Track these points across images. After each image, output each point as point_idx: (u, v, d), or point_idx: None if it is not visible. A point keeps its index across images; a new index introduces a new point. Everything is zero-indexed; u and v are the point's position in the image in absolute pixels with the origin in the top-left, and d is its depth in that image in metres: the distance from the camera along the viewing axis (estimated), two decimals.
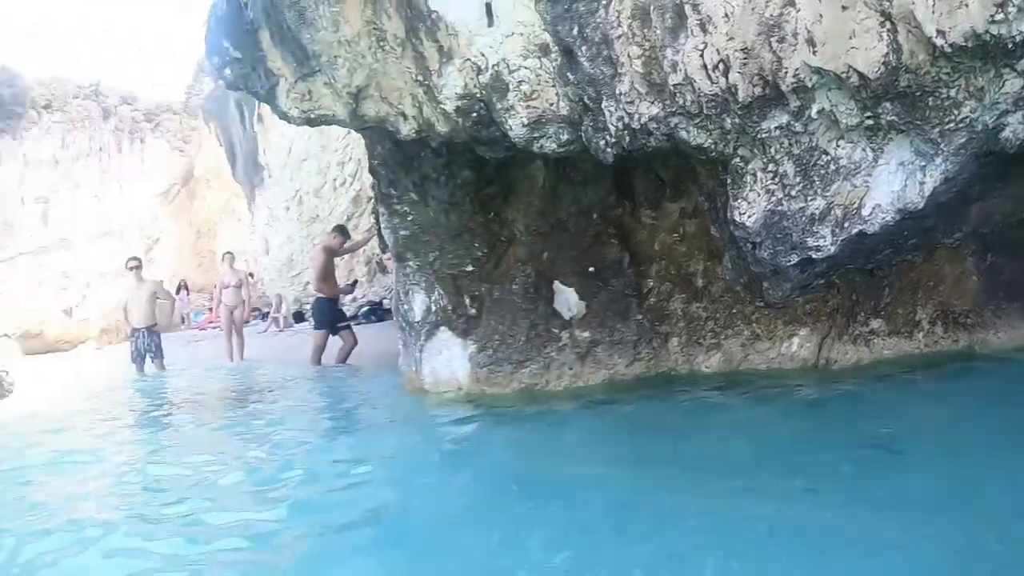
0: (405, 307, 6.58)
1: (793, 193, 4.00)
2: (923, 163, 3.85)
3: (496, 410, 5.49)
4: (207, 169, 25.25)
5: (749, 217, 4.17)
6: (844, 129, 3.78)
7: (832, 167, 3.95)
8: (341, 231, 10.64)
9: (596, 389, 5.77)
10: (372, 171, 6.61)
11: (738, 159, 4.10)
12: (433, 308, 6.26)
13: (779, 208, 4.07)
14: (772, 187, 4.06)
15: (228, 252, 15.14)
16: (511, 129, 4.43)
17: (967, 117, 3.44)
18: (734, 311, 5.90)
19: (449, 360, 6.20)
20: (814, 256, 4.14)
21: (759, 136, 3.92)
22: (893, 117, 3.58)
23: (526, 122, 4.42)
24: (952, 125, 3.49)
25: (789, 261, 4.24)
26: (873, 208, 3.99)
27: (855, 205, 3.99)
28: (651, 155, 4.68)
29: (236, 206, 23.01)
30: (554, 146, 4.55)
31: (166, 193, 29.38)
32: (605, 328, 5.91)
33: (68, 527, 3.67)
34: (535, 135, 4.46)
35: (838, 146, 3.91)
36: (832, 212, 4.02)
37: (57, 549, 3.40)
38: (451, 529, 3.24)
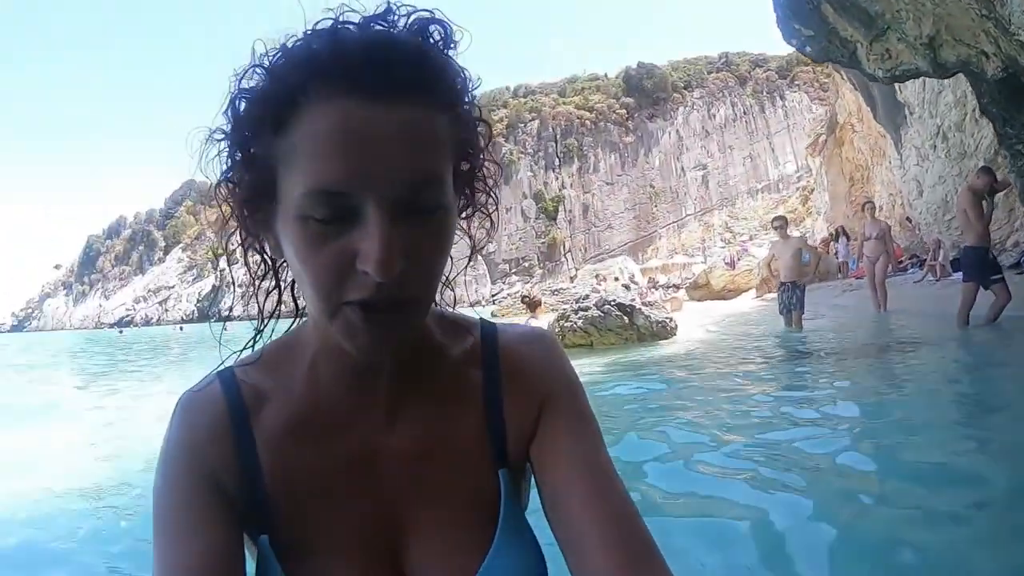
0: None
1: None
2: None
3: None
4: (849, 114, 24.76)
5: None
6: None
7: None
8: (986, 172, 9.45)
9: None
10: (983, 111, 5.86)
11: None
12: None
13: None
14: None
15: (868, 202, 15.25)
16: None
17: None
18: None
19: None
20: None
21: None
22: None
23: None
24: None
25: None
26: None
27: None
28: None
29: (884, 148, 22.08)
30: None
31: (813, 144, 30.08)
32: None
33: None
34: None
35: None
36: None
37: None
38: None
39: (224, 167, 0.78)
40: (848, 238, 22.83)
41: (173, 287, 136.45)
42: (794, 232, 16.93)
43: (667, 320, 13.58)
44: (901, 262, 18.27)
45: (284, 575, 0.83)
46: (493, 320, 0.98)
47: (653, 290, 28.99)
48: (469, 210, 0.87)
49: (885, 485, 3.53)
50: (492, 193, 0.88)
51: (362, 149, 0.68)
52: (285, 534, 0.85)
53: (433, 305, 0.85)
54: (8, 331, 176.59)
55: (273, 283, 0.88)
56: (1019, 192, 6.23)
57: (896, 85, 17.31)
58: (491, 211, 0.89)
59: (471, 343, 0.94)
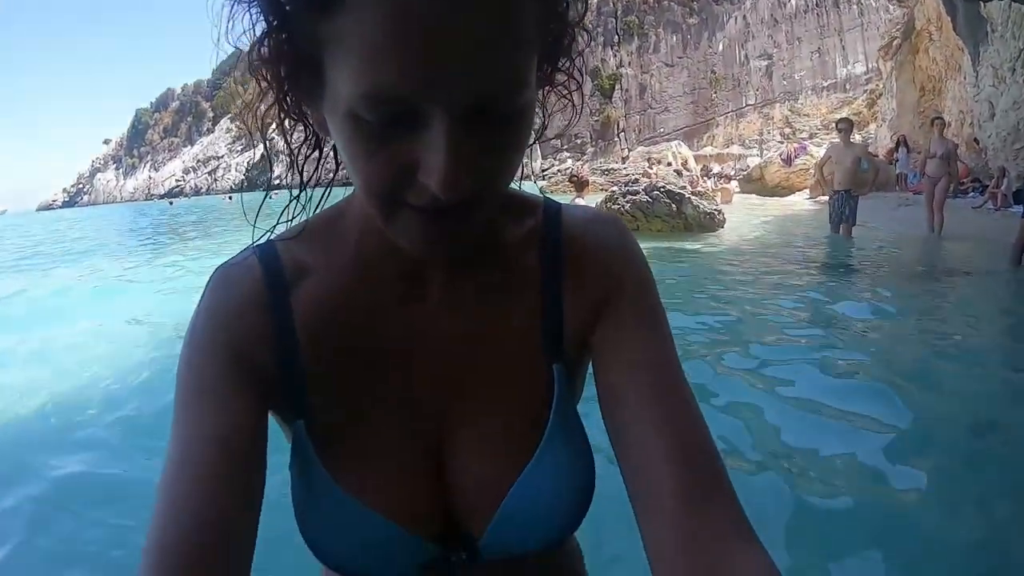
0: None
1: None
2: None
3: None
4: (928, 21, 24.02)
5: None
6: None
7: None
8: None
9: None
10: None
11: None
12: None
13: None
14: None
15: (938, 117, 14.18)
16: None
17: None
18: None
19: None
20: None
21: None
22: None
23: None
24: None
25: None
26: None
27: None
28: None
29: (960, 63, 21.65)
30: None
31: (887, 47, 29.09)
32: None
33: None
34: None
35: None
36: None
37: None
38: None
39: (257, 34, 0.65)
40: (909, 150, 22.32)
41: (222, 157, 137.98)
42: (856, 137, 16.67)
43: (716, 212, 13.63)
44: (963, 183, 18.00)
45: (320, 462, 0.79)
46: (559, 201, 0.88)
47: (705, 179, 28.59)
48: (546, 88, 0.76)
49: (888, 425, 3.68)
50: (575, 76, 0.76)
51: (427, 46, 0.55)
52: (322, 419, 0.80)
53: None
54: (60, 207, 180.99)
55: (318, 152, 0.79)
56: None
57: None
58: (573, 89, 0.77)
59: (532, 225, 0.85)
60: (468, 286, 0.82)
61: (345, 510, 0.79)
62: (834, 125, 12.79)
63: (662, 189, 13.25)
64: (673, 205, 13.07)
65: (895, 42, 28.33)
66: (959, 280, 8.15)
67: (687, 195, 13.42)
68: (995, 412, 3.96)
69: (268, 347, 0.78)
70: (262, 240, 0.83)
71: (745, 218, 16.06)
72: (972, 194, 17.49)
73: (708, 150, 39.25)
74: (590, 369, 0.86)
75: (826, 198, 13.58)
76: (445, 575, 0.86)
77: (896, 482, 3.15)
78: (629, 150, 38.69)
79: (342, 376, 0.81)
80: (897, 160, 22.71)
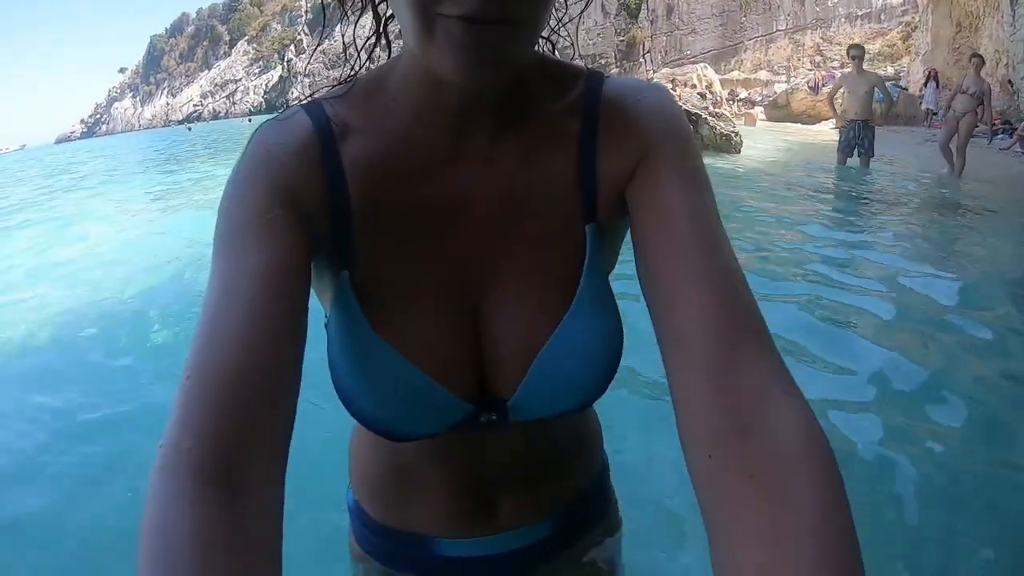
0: None
1: None
2: None
3: None
4: None
5: None
6: None
7: None
8: None
9: None
10: None
11: None
12: None
13: None
14: None
15: (976, 55, 13.20)
16: None
17: None
18: None
19: None
20: None
21: None
22: None
23: None
24: None
25: None
26: None
27: None
28: None
29: (1000, 2, 21.11)
30: None
31: None
32: None
33: None
34: None
35: None
36: None
37: None
38: None
39: None
40: (938, 84, 21.73)
41: (240, 80, 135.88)
42: (888, 70, 15.93)
43: (732, 134, 13.68)
44: (994, 125, 16.44)
45: (363, 313, 0.80)
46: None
47: (731, 103, 28.19)
48: None
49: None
50: None
51: None
52: (366, 272, 0.81)
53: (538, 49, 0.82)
54: (79, 138, 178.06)
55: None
56: None
57: None
58: None
59: (574, 91, 0.85)
60: (510, 147, 0.82)
61: (385, 361, 0.80)
62: (847, 52, 12.31)
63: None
64: (690, 124, 13.18)
65: None
66: (973, 218, 8.14)
67: (704, 116, 13.50)
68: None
69: (318, 192, 0.78)
70: (307, 101, 0.84)
71: (765, 143, 15.98)
72: (1001, 136, 16.83)
73: (735, 74, 38.59)
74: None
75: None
76: (472, 436, 0.91)
77: (837, 423, 3.16)
78: (655, 72, 38.06)
79: (388, 230, 0.81)
80: (925, 94, 22.25)
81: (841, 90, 12.09)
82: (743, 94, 34.26)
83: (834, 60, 35.42)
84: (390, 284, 0.82)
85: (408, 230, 0.82)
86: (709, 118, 13.62)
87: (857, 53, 11.67)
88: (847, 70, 12.48)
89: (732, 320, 0.66)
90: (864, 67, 11.73)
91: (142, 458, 1.78)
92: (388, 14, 0.85)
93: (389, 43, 0.87)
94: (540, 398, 0.85)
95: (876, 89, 11.61)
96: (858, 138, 11.59)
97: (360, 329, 0.80)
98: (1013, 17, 19.11)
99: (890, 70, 27.83)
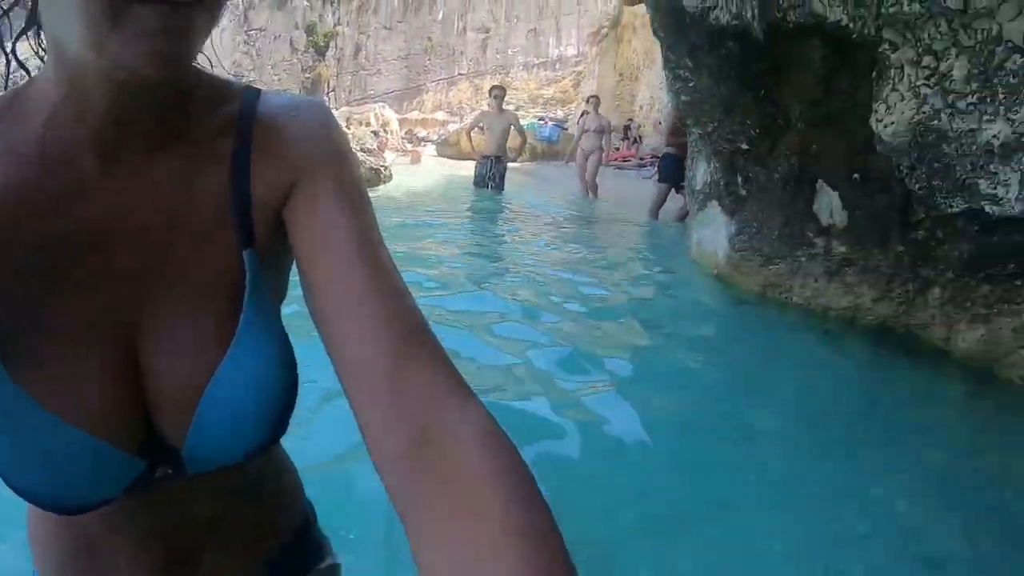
0: (690, 173, 6.84)
1: (961, 106, 2.95)
2: None
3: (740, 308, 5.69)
4: (635, 16, 26.15)
5: (887, 127, 3.21)
6: None
7: None
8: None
9: (836, 318, 5.15)
10: (654, 32, 6.50)
11: (885, 45, 3.13)
12: (709, 180, 6.24)
13: (934, 123, 3.04)
14: (926, 90, 3.03)
15: (593, 96, 15.63)
16: None
17: None
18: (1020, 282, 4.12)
19: (714, 236, 6.22)
20: (989, 211, 3.05)
21: (899, 14, 2.92)
22: None
23: None
24: None
25: (952, 207, 3.19)
26: None
27: None
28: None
29: (656, 54, 23.64)
30: (729, 18, 3.96)
31: (595, 32, 31.30)
32: (862, 249, 4.97)
33: None
34: (707, 4, 3.95)
35: None
36: None
37: None
38: None
39: None
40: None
41: None
42: (556, 113, 17.17)
43: (381, 168, 14.51)
44: (643, 160, 19.69)
45: (9, 377, 0.71)
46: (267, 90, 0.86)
47: (407, 142, 29.41)
48: None
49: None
50: None
51: None
52: (2, 318, 0.72)
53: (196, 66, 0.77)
54: None
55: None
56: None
57: None
58: None
59: (230, 109, 0.81)
60: (164, 167, 0.77)
61: (34, 421, 0.72)
62: (489, 92, 13.31)
63: None
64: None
65: (603, 30, 30.55)
66: (598, 227, 10.34)
67: (355, 151, 13.76)
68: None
69: None
70: None
71: (422, 177, 17.02)
72: (648, 167, 18.59)
73: (415, 115, 39.72)
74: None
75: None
76: (154, 495, 0.84)
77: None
78: (337, 109, 38.19)
79: (27, 268, 0.72)
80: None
81: (480, 125, 12.99)
82: (422, 133, 35.29)
83: (510, 104, 37.40)
84: (34, 329, 0.73)
85: (50, 266, 0.73)
86: (360, 153, 14.21)
87: (498, 93, 12.61)
88: (527, 113, 14.86)
89: (401, 336, 0.68)
90: (503, 107, 12.72)
91: None
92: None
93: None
94: (215, 441, 0.79)
95: (512, 127, 12.48)
96: (490, 172, 12.53)
97: (9, 396, 0.71)
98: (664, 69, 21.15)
99: (560, 113, 30.49)
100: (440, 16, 47.44)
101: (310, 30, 58.27)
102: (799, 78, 5.25)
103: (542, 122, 25.53)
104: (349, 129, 23.39)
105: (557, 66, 39.10)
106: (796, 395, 3.95)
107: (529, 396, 3.60)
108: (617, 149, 20.55)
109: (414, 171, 18.21)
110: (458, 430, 0.60)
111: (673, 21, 5.67)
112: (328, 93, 59.89)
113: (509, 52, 40.72)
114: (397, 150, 23.13)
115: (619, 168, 19.89)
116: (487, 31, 43.69)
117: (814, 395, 3.98)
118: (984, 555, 2.61)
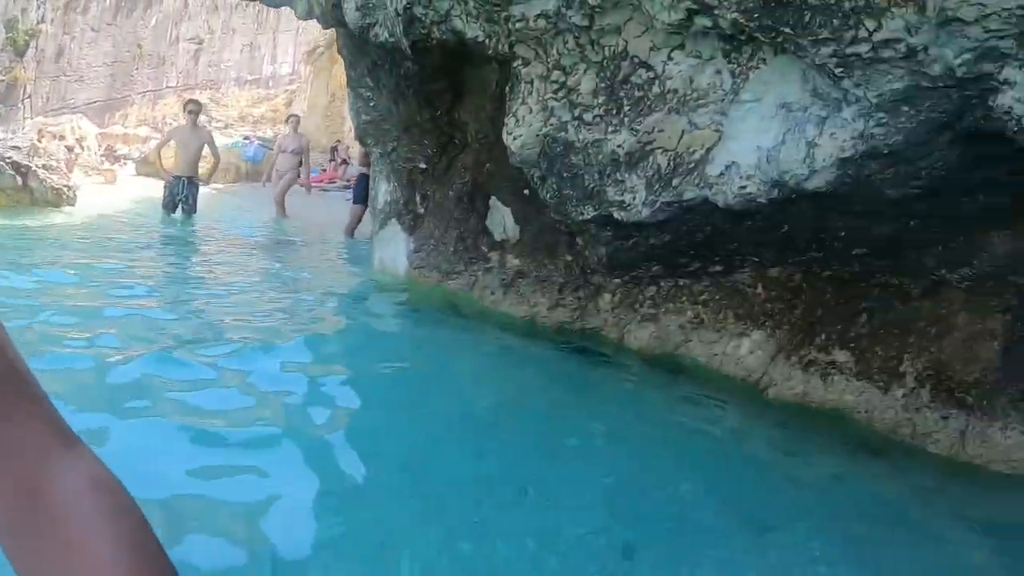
0: (374, 191, 6.92)
1: (588, 118, 3.22)
2: (822, 112, 2.69)
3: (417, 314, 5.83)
4: None
5: (516, 139, 3.46)
6: (662, 30, 2.84)
7: (653, 89, 3.07)
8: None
9: (518, 323, 5.38)
10: (339, 51, 6.55)
11: (518, 61, 3.38)
12: (389, 199, 6.34)
13: (561, 135, 3.30)
14: (554, 103, 3.29)
15: (293, 115, 15.39)
16: (347, 14, 4.10)
17: (901, 40, 2.22)
18: (681, 283, 4.69)
19: (395, 254, 6.32)
20: (618, 216, 3.34)
21: (526, 30, 3.14)
22: (753, 22, 2.53)
23: (358, 5, 4.14)
24: (867, 50, 2.28)
25: (583, 215, 3.48)
26: (726, 167, 3.01)
27: (694, 155, 3.09)
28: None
29: None
30: (387, 35, 4.07)
31: (311, 52, 30.93)
32: (534, 260, 5.29)
33: None
34: (367, 21, 4.05)
35: (670, 59, 2.99)
36: (651, 157, 3.19)
37: None
38: None
39: None
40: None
41: None
42: (266, 132, 16.63)
43: (65, 187, 13.40)
44: (348, 181, 19.20)
45: None
46: None
47: (106, 159, 27.27)
48: None
49: None
50: None
51: None
52: None
53: None
54: None
55: None
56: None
57: None
58: None
59: None
60: None
61: None
62: (183, 107, 12.66)
63: (8, 160, 12.68)
64: (19, 178, 12.59)
65: (319, 49, 30.14)
66: (282, 247, 10.47)
67: (35, 168, 13.02)
68: None
69: None
70: None
71: (113, 198, 16.03)
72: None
73: (118, 129, 37.17)
74: None
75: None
76: None
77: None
78: (32, 118, 35.06)
79: None
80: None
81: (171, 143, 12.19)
82: (123, 149, 33.03)
83: (220, 121, 35.98)
84: None
85: None
86: (40, 171, 13.02)
87: (194, 108, 11.90)
88: (235, 131, 14.25)
89: (4, 389, 0.63)
90: (197, 123, 12.12)
91: None
92: None
93: None
94: None
95: (208, 146, 11.93)
96: (182, 193, 11.68)
97: None
98: None
99: (270, 133, 29.56)
100: (153, 22, 44.68)
101: (10, 26, 52.54)
102: (475, 98, 5.48)
103: (247, 141, 24.12)
104: (40, 143, 21.37)
105: (271, 84, 38.33)
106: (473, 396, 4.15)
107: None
108: (324, 170, 21.02)
109: (107, 192, 17.16)
110: (67, 480, 0.59)
111: (352, 39, 5.69)
112: (23, 100, 54.33)
113: (222, 66, 39.15)
114: (93, 168, 21.53)
115: (324, 190, 19.99)
116: (201, 42, 41.91)
117: (497, 396, 4.17)
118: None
